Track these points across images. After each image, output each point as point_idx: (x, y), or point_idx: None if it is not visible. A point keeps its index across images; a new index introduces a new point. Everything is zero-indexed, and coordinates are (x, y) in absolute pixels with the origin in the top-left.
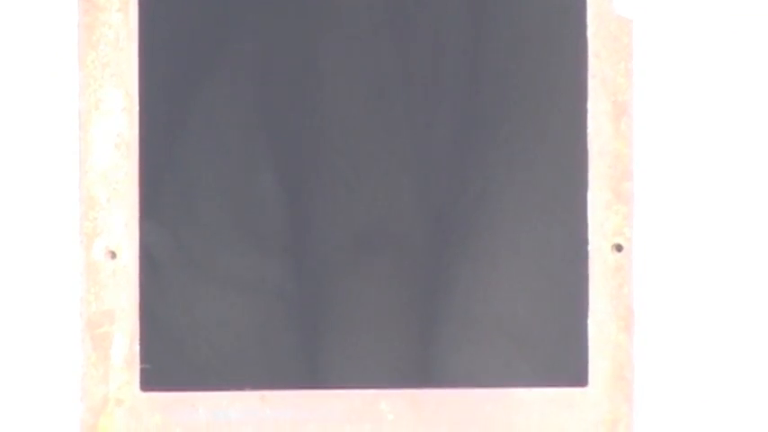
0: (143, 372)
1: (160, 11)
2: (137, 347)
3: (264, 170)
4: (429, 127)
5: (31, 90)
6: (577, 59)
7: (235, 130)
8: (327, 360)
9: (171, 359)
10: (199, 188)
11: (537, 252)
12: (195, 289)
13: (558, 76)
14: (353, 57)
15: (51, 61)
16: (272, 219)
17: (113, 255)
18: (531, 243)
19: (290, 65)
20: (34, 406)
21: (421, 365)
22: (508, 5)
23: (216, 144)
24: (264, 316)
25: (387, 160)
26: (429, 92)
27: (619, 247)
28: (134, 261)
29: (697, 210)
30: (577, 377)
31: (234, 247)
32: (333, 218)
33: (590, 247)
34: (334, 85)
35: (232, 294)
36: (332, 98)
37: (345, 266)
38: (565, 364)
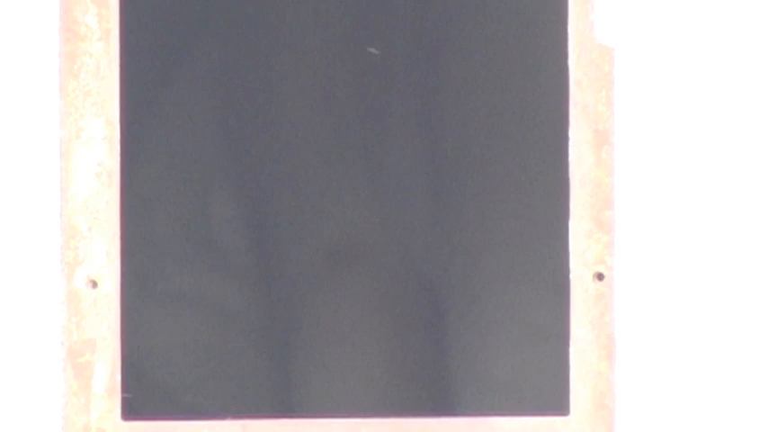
0: (124, 401)
1: (141, 40)
2: (118, 377)
3: (226, 189)
4: (402, 144)
5: (12, 119)
6: (558, 87)
7: (195, 150)
8: (305, 385)
9: (152, 388)
10: (163, 213)
11: (517, 272)
12: (172, 317)
13: (538, 104)
14: (315, 70)
15: (33, 90)
16: (238, 241)
17: (95, 284)
18: (510, 263)
19: (252, 82)
20: None
21: (398, 386)
22: (488, 30)
23: (177, 166)
24: (242, 342)
25: (353, 173)
26: (402, 110)
27: (600, 276)
28: (115, 290)
29: (678, 238)
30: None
31: (205, 274)
32: (299, 235)
33: (571, 276)
34: (295, 100)
35: (208, 322)
36: (294, 114)
37: (314, 285)
38: (547, 387)
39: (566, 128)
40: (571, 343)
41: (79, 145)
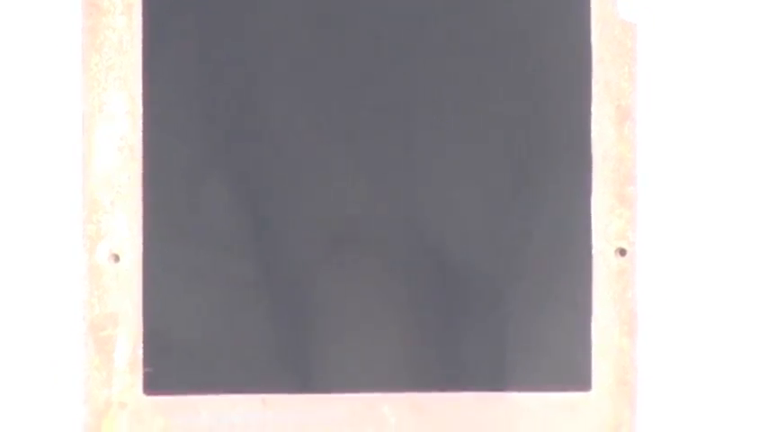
0: (146, 375)
1: (164, 14)
2: (140, 351)
3: (239, 166)
4: (421, 122)
5: (34, 93)
6: (581, 63)
7: (198, 128)
8: (324, 361)
9: (174, 363)
10: (184, 187)
11: (537, 247)
12: (193, 293)
13: (561, 80)
14: (327, 51)
15: (55, 64)
16: (246, 219)
17: (117, 258)
18: (531, 238)
19: (271, 61)
20: (37, 409)
21: (418, 362)
22: (510, 7)
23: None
24: (260, 318)
25: (360, 152)
26: (422, 86)
27: (622, 251)
28: (137, 264)
29: (700, 213)
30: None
31: (221, 250)
32: (308, 215)
33: (593, 251)
34: (310, 78)
35: (227, 297)
36: (310, 94)
37: (331, 262)
38: (570, 358)
39: (588, 104)
40: (593, 319)
41: (101, 119)
